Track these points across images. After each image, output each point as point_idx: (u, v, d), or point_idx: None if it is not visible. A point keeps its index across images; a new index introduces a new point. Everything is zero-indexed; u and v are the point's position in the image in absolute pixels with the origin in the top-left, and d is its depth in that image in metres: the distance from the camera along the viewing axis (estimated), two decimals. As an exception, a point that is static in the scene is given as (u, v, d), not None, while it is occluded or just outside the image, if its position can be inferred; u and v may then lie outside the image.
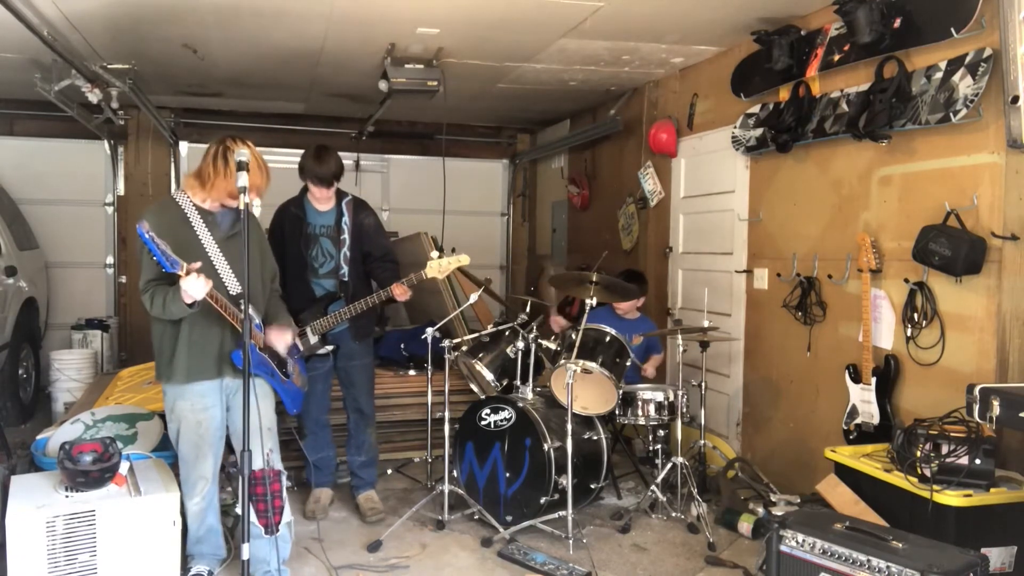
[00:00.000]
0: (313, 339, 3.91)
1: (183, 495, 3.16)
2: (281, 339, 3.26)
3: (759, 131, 4.58)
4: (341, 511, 4.21)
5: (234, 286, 3.09)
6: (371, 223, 4.10)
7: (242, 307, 3.00)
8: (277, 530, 3.12)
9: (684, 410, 4.25)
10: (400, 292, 3.83)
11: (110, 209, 7.62)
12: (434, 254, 3.91)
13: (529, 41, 4.92)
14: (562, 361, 4.02)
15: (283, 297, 3.55)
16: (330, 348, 3.99)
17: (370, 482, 4.22)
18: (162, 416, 4.16)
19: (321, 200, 3.98)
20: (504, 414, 4.00)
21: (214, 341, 3.08)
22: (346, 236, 3.99)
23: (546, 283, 8.14)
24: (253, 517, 3.05)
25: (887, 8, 3.60)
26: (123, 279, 7.64)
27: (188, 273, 2.78)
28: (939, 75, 3.42)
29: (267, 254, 3.38)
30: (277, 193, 3.88)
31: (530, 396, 4.12)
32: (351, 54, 5.22)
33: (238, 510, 3.14)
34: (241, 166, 2.76)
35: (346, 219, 4.01)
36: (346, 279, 4.00)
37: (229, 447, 3.88)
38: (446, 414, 4.11)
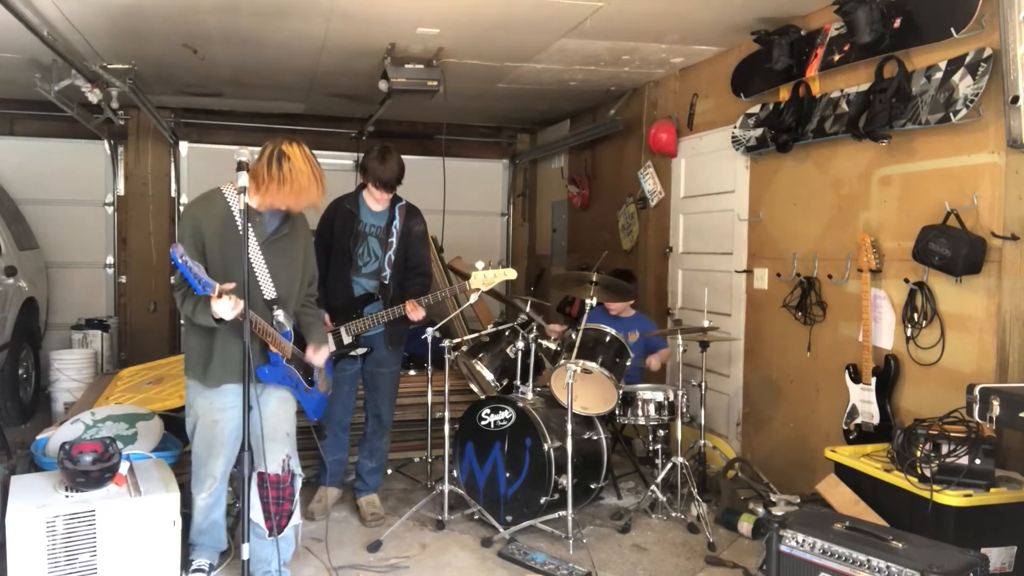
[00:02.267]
0: (347, 339, 3.88)
1: (192, 486, 3.17)
2: (319, 358, 3.24)
3: (759, 131, 4.58)
4: (341, 511, 4.21)
5: (270, 290, 3.06)
6: (419, 231, 4.10)
7: (275, 313, 3.03)
8: (282, 531, 3.11)
9: (684, 410, 4.25)
10: (410, 309, 3.82)
11: (110, 209, 7.62)
12: (479, 264, 3.89)
13: (529, 41, 4.92)
14: (562, 361, 4.02)
15: (319, 301, 3.49)
16: (364, 350, 3.95)
17: (374, 487, 4.22)
18: (162, 416, 4.18)
19: (378, 201, 3.96)
20: (504, 414, 4.00)
21: (241, 350, 3.00)
22: (394, 240, 3.99)
23: (547, 283, 8.15)
24: (259, 518, 3.05)
25: (887, 8, 3.60)
26: (123, 279, 7.64)
27: (220, 295, 2.75)
28: (939, 75, 3.42)
29: (310, 257, 3.33)
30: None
31: (530, 396, 4.12)
32: (351, 54, 5.22)
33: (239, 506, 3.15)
34: (241, 166, 2.75)
35: (397, 223, 4.00)
36: (387, 282, 3.99)
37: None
38: (446, 414, 4.11)
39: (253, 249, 3.00)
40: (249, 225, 2.97)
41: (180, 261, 2.67)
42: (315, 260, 3.39)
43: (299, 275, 3.20)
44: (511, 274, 3.97)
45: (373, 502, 4.15)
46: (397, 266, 4.01)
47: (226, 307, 2.76)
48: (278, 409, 3.14)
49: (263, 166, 2.93)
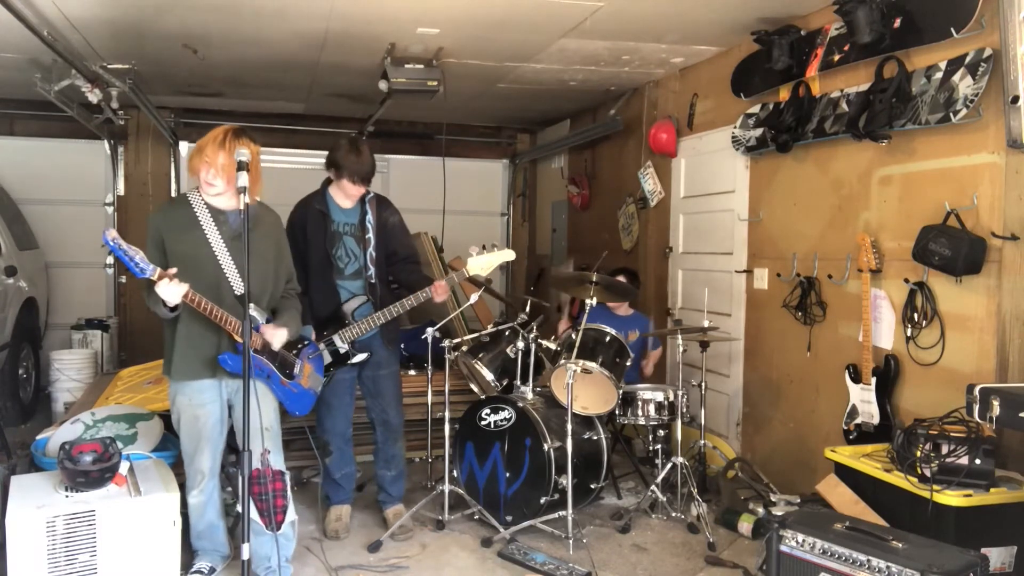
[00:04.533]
0: (343, 348, 3.69)
1: (186, 487, 3.18)
2: (274, 337, 3.14)
3: (759, 131, 4.58)
4: (341, 511, 4.20)
5: (240, 286, 3.04)
6: (396, 222, 3.92)
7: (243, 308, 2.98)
8: (280, 528, 3.09)
9: (684, 410, 4.25)
10: (442, 292, 3.67)
11: (110, 209, 7.62)
12: (473, 250, 3.71)
13: (529, 41, 4.92)
14: (562, 361, 4.02)
15: (302, 295, 3.43)
16: (365, 356, 3.75)
17: (398, 497, 4.08)
18: (162, 416, 4.18)
19: (349, 197, 3.76)
20: (504, 414, 4.00)
21: (211, 342, 3.05)
22: (371, 235, 3.80)
23: (547, 283, 8.14)
24: (255, 515, 3.04)
25: (887, 8, 3.60)
26: (123, 279, 7.64)
27: (161, 278, 2.75)
28: (939, 75, 3.42)
29: (284, 253, 3.27)
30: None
31: (530, 396, 4.12)
32: (351, 54, 5.22)
33: (239, 508, 3.15)
34: (241, 166, 2.75)
35: (370, 217, 3.81)
36: (373, 281, 3.79)
37: (231, 448, 3.87)
38: (446, 414, 4.11)
39: (218, 245, 3.03)
40: (213, 221, 3.04)
41: (113, 244, 2.64)
42: (291, 258, 3.35)
43: (271, 272, 3.18)
44: (509, 255, 3.80)
45: (400, 513, 3.96)
46: (380, 262, 3.83)
47: (169, 290, 2.77)
48: (258, 403, 3.10)
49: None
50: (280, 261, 3.25)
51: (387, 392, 3.95)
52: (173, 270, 2.80)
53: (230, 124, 3.09)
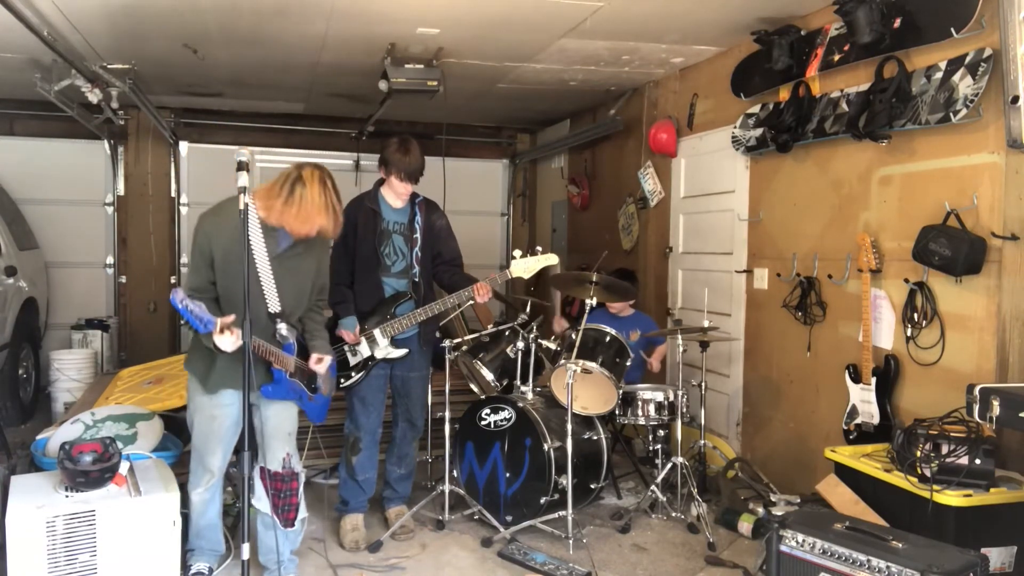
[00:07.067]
0: (384, 342, 3.74)
1: (189, 483, 3.19)
2: (322, 367, 3.20)
3: (759, 131, 4.58)
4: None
5: (275, 304, 3.03)
6: (443, 225, 3.98)
7: (277, 326, 3.03)
8: (293, 525, 3.20)
9: (684, 410, 4.25)
10: (484, 292, 3.70)
11: (110, 209, 7.62)
12: (516, 253, 3.77)
13: (529, 41, 4.93)
14: (562, 361, 4.02)
15: (348, 288, 3.49)
16: (404, 352, 3.78)
17: (404, 496, 4.09)
18: (162, 416, 4.18)
19: (399, 195, 3.81)
20: (504, 414, 4.00)
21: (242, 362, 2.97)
22: (418, 236, 3.86)
23: (547, 283, 8.13)
24: (266, 508, 3.13)
25: (887, 8, 3.60)
26: (123, 279, 7.64)
27: (222, 331, 2.77)
28: (939, 75, 3.42)
29: (323, 270, 3.30)
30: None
31: (530, 396, 4.12)
32: (351, 54, 5.22)
33: (239, 507, 3.18)
34: (240, 166, 2.75)
35: (419, 219, 3.88)
36: (417, 279, 3.85)
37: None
38: (446, 414, 4.10)
39: (262, 261, 2.97)
40: (262, 236, 2.97)
41: (181, 306, 2.72)
42: (327, 271, 3.36)
43: (308, 288, 3.18)
44: (552, 259, 3.82)
45: (402, 513, 3.98)
46: (425, 263, 3.90)
47: (227, 342, 2.79)
48: (280, 410, 3.17)
49: (275, 183, 2.94)
50: (318, 277, 3.24)
51: (415, 393, 3.98)
52: (230, 318, 2.79)
53: (314, 169, 3.00)
